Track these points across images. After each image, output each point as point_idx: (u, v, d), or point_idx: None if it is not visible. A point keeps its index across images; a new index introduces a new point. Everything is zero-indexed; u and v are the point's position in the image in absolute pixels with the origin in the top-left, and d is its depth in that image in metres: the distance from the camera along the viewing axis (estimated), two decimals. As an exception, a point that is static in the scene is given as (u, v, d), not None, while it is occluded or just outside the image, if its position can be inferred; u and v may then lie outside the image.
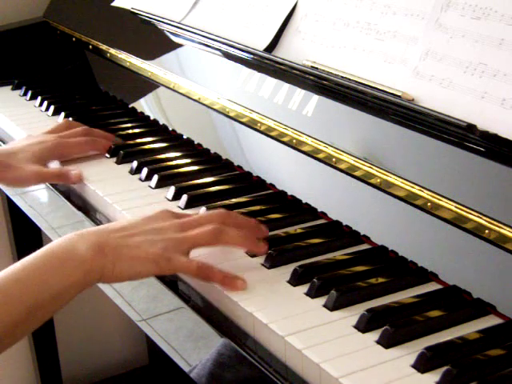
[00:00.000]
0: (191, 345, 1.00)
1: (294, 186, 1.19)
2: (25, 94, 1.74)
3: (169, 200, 1.20)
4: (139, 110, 1.59)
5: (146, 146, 1.41)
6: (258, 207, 1.15)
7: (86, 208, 1.26)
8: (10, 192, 1.60)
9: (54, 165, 1.37)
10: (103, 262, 0.94)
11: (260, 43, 1.32)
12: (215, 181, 1.25)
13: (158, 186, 1.24)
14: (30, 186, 1.40)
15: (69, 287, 0.92)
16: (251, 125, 1.28)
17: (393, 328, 0.84)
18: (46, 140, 1.35)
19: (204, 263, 0.97)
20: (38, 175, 1.30)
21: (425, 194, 0.99)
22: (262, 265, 1.01)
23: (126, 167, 1.33)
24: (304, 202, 1.16)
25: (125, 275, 0.96)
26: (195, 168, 1.30)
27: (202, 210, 1.13)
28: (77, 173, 1.30)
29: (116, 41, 1.69)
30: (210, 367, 0.94)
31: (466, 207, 0.94)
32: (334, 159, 1.12)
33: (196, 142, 1.40)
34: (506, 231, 0.89)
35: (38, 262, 0.92)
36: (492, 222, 0.91)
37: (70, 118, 1.53)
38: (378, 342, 0.85)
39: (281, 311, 0.91)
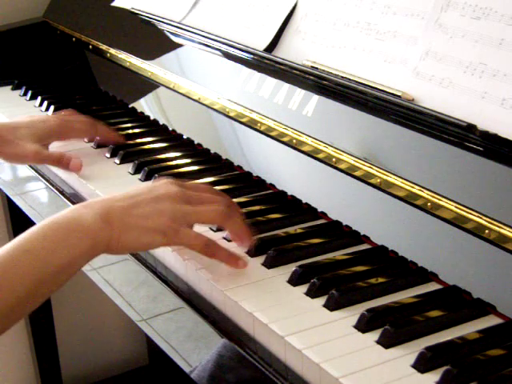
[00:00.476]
0: (191, 345, 1.00)
1: (294, 186, 1.19)
2: (25, 93, 1.74)
3: (169, 200, 1.20)
4: (139, 110, 1.59)
5: (146, 146, 1.41)
6: (257, 207, 1.15)
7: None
8: (9, 192, 1.60)
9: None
10: (109, 231, 0.92)
11: (260, 43, 1.32)
12: (215, 181, 1.25)
13: (158, 185, 1.24)
14: (27, 163, 1.40)
15: (76, 257, 0.90)
16: (251, 125, 1.28)
17: (393, 328, 0.84)
18: (49, 119, 1.36)
19: (211, 240, 0.97)
20: (37, 155, 1.29)
21: (425, 194, 0.99)
22: (262, 265, 1.01)
23: (126, 167, 1.33)
24: (304, 202, 1.16)
25: (131, 246, 0.95)
26: (195, 168, 1.30)
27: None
28: (77, 162, 1.29)
29: (116, 41, 1.69)
30: (210, 368, 0.94)
31: (466, 207, 0.94)
32: (334, 159, 1.12)
33: (196, 142, 1.40)
34: (506, 231, 0.89)
35: (45, 233, 0.90)
36: (492, 222, 0.91)
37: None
38: (378, 342, 0.85)
39: (281, 311, 0.91)
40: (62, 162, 1.30)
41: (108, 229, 0.92)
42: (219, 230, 1.08)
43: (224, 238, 1.07)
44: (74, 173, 1.30)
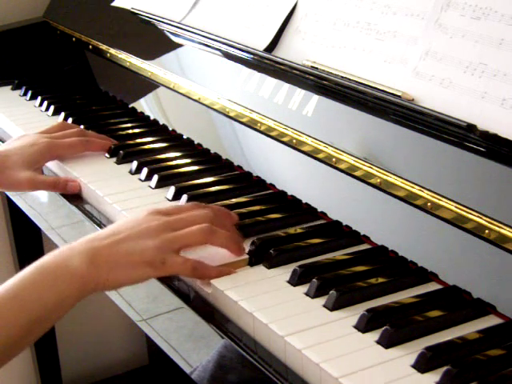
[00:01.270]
0: (191, 345, 1.00)
1: (294, 186, 1.19)
2: (25, 93, 1.74)
3: (169, 200, 1.20)
4: (139, 110, 1.59)
5: (146, 146, 1.41)
6: (257, 207, 1.15)
7: (85, 208, 1.26)
8: (9, 192, 1.60)
9: (53, 167, 1.37)
10: (96, 273, 0.94)
11: (260, 43, 1.32)
12: (215, 181, 1.25)
13: (158, 185, 1.24)
14: (22, 191, 1.40)
15: (64, 301, 0.93)
16: (251, 125, 1.28)
17: (393, 328, 0.84)
18: (37, 142, 1.34)
19: (198, 262, 0.98)
20: (32, 182, 1.29)
21: (425, 193, 0.99)
22: (262, 265, 1.01)
23: (126, 167, 1.33)
24: (304, 202, 1.16)
25: (120, 282, 0.96)
26: (195, 168, 1.30)
27: (183, 200, 1.15)
28: (74, 184, 1.29)
29: (116, 41, 1.69)
30: (211, 369, 0.94)
31: (466, 207, 0.94)
32: (334, 159, 1.12)
33: (196, 142, 1.40)
34: (506, 231, 0.89)
35: (33, 277, 0.92)
36: (492, 222, 0.91)
37: (70, 118, 1.53)
38: (378, 342, 0.85)
39: (281, 311, 0.91)
40: (57, 186, 1.30)
41: (95, 270, 0.93)
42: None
43: None
44: (71, 194, 1.30)
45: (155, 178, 1.25)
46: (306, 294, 0.94)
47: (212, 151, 1.36)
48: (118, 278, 0.95)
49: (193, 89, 1.43)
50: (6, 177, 1.28)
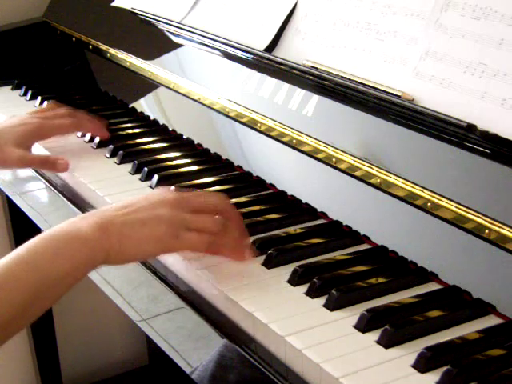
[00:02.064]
0: (191, 345, 1.00)
1: (294, 186, 1.19)
2: (25, 93, 1.74)
3: (169, 200, 1.20)
4: (139, 110, 1.59)
5: (146, 146, 1.41)
6: (257, 207, 1.15)
7: (85, 208, 1.26)
8: (9, 192, 1.60)
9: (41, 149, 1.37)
10: (108, 241, 0.91)
11: (260, 43, 1.32)
12: (215, 181, 1.25)
13: (158, 186, 1.24)
14: (12, 169, 1.40)
15: (75, 268, 0.90)
16: (251, 125, 1.28)
17: (393, 328, 0.84)
18: (28, 122, 1.34)
19: (212, 238, 0.96)
20: (22, 159, 1.29)
21: (425, 193, 0.99)
22: (262, 265, 1.01)
23: (126, 167, 1.33)
24: (304, 202, 1.16)
25: (131, 255, 0.94)
26: (195, 168, 1.30)
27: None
28: (63, 162, 1.29)
29: (116, 41, 1.69)
30: (211, 369, 0.94)
31: (466, 207, 0.94)
32: (334, 159, 1.12)
33: (196, 142, 1.40)
34: (506, 231, 0.89)
35: (44, 244, 0.90)
36: (492, 222, 0.91)
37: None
38: (378, 342, 0.85)
39: (281, 311, 0.91)
40: (47, 164, 1.30)
41: (107, 239, 0.91)
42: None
43: None
44: (61, 172, 1.30)
45: (155, 178, 1.25)
46: (306, 293, 0.94)
47: (212, 151, 1.36)
48: (129, 250, 0.92)
49: (193, 89, 1.43)
50: None
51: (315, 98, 1.18)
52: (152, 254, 0.96)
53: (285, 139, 1.21)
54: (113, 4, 1.73)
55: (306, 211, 1.14)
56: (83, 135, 1.46)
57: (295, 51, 1.27)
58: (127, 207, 0.95)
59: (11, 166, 1.32)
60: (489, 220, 0.91)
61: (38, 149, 1.39)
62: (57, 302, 0.92)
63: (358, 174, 1.08)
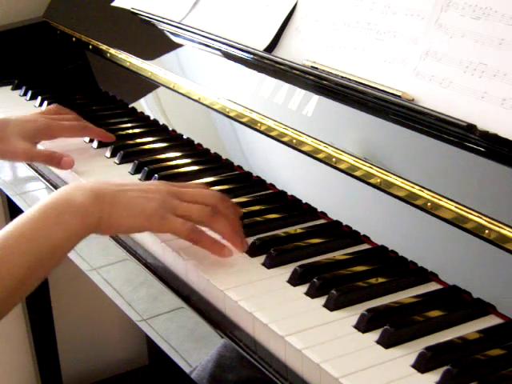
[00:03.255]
0: (191, 345, 1.00)
1: (294, 186, 1.19)
2: (25, 93, 1.74)
3: (169, 200, 1.20)
4: (139, 110, 1.59)
5: (146, 146, 1.41)
6: (257, 207, 1.15)
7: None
8: (9, 192, 1.60)
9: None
10: (100, 209, 0.95)
11: (260, 43, 1.32)
12: (215, 181, 1.25)
13: (158, 186, 1.24)
14: (17, 161, 1.40)
15: (68, 236, 0.93)
16: (251, 125, 1.28)
17: (393, 328, 0.84)
18: (37, 119, 1.36)
19: (197, 227, 0.99)
20: (28, 152, 1.30)
21: (425, 193, 0.99)
22: (262, 265, 1.01)
23: (126, 167, 1.33)
24: (304, 202, 1.16)
25: (120, 226, 0.97)
26: (195, 168, 1.30)
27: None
28: (68, 160, 1.30)
29: (116, 41, 1.69)
30: (211, 368, 0.94)
31: (466, 207, 0.94)
32: (334, 159, 1.12)
33: (196, 142, 1.40)
34: (506, 231, 0.89)
35: (37, 214, 0.93)
36: (492, 222, 0.91)
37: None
38: (378, 342, 0.85)
39: (281, 311, 0.91)
40: (53, 159, 1.31)
41: (99, 207, 0.95)
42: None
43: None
44: (64, 169, 1.31)
45: (155, 178, 1.25)
46: (306, 293, 0.94)
47: (212, 151, 1.36)
48: (118, 221, 0.96)
49: (193, 89, 1.43)
50: (3, 144, 1.29)
51: (315, 98, 1.18)
52: (138, 229, 1.00)
53: (285, 139, 1.21)
54: (113, 4, 1.73)
55: (306, 211, 1.14)
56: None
57: (295, 51, 1.27)
58: (122, 185, 1.00)
59: (16, 158, 1.33)
60: (489, 220, 0.91)
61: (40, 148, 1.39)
62: (51, 271, 0.94)
63: (357, 174, 1.08)
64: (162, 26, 1.55)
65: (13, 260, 0.89)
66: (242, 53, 1.33)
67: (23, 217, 0.92)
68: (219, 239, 1.02)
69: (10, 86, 1.81)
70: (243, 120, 1.30)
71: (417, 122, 1.02)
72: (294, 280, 0.96)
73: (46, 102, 1.64)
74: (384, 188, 1.04)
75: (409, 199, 1.01)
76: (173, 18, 1.52)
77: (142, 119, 1.56)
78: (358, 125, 1.11)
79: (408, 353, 0.83)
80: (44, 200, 0.94)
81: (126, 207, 0.96)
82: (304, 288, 0.95)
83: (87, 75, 1.79)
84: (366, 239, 1.06)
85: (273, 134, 1.24)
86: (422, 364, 0.80)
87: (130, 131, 1.49)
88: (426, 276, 0.97)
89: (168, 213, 0.98)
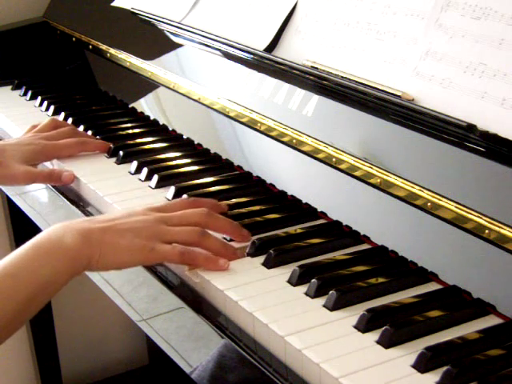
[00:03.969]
0: (191, 345, 1.00)
1: (294, 186, 1.19)
2: (25, 93, 1.74)
3: (169, 200, 1.20)
4: (139, 110, 1.59)
5: (146, 146, 1.41)
6: (257, 207, 1.15)
7: (85, 208, 1.26)
8: (9, 192, 1.60)
9: (53, 167, 1.37)
10: (89, 250, 0.96)
11: (260, 43, 1.32)
12: (215, 181, 1.25)
13: (158, 186, 1.24)
14: (18, 185, 1.41)
15: (57, 277, 0.94)
16: (251, 125, 1.28)
17: (393, 328, 0.84)
18: (33, 142, 1.36)
19: (186, 248, 1.00)
20: (28, 174, 1.30)
21: (425, 193, 0.99)
22: (262, 265, 1.01)
23: (126, 167, 1.33)
24: (304, 202, 1.16)
25: (111, 264, 0.98)
26: (195, 168, 1.30)
27: (184, 197, 1.16)
28: (68, 174, 1.30)
29: (116, 41, 1.69)
30: (211, 369, 0.94)
31: (466, 207, 0.94)
32: (334, 159, 1.12)
33: (196, 142, 1.40)
34: (506, 231, 0.89)
35: (26, 254, 0.94)
36: (492, 222, 0.91)
37: (70, 118, 1.53)
38: (378, 342, 0.85)
39: (281, 311, 0.91)
40: (52, 177, 1.31)
41: (87, 249, 0.96)
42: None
43: (224, 238, 1.07)
44: (67, 185, 1.31)
45: (155, 178, 1.25)
46: (306, 293, 0.94)
47: (212, 151, 1.36)
48: (108, 260, 0.97)
49: (193, 89, 1.43)
50: (2, 168, 1.29)
51: (315, 98, 1.18)
52: (129, 265, 1.00)
53: (285, 139, 1.21)
54: (113, 4, 1.73)
55: (306, 211, 1.14)
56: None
57: (295, 51, 1.27)
58: (109, 221, 1.00)
59: (17, 181, 1.34)
60: (489, 220, 0.91)
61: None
62: (42, 308, 0.96)
63: (357, 173, 1.08)
64: (161, 26, 1.55)
65: (5, 299, 0.91)
66: (242, 53, 1.33)
67: (14, 254, 0.94)
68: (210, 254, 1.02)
69: (10, 86, 1.81)
70: (243, 120, 1.30)
71: (417, 122, 1.02)
72: (294, 280, 0.96)
73: (46, 102, 1.64)
74: (384, 188, 1.04)
75: (409, 199, 1.01)
76: (173, 18, 1.52)
77: (142, 119, 1.56)
78: (358, 125, 1.11)
79: (408, 353, 0.83)
80: (35, 238, 0.96)
81: (115, 246, 0.97)
82: (304, 288, 0.95)
83: (87, 75, 1.79)
84: (365, 239, 1.06)
85: (273, 133, 1.24)
86: (422, 364, 0.80)
87: (130, 131, 1.49)
88: (426, 276, 0.97)
89: (157, 242, 0.99)
